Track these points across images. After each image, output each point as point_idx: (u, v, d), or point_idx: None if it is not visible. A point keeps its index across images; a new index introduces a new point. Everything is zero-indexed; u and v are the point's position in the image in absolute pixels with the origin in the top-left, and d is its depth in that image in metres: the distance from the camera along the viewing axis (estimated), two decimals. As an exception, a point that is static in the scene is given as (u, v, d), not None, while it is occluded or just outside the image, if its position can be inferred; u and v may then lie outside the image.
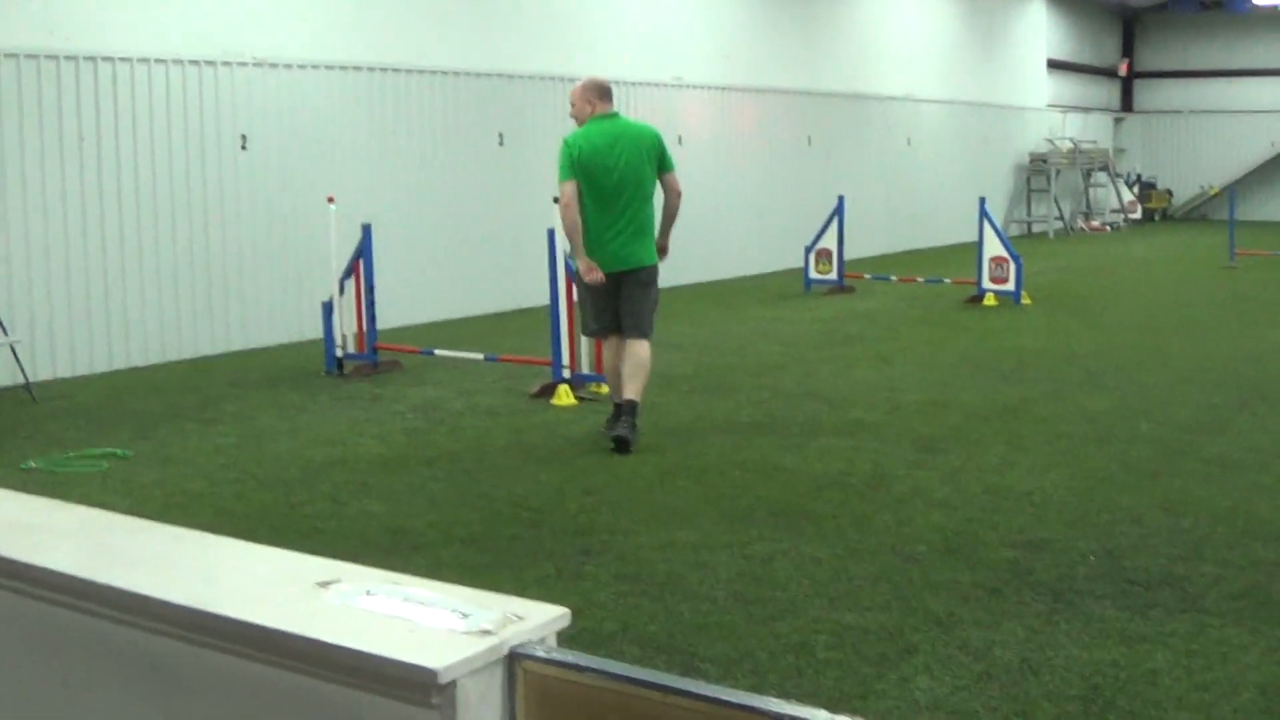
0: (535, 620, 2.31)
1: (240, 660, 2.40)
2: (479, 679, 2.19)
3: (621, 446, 9.75)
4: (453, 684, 2.15)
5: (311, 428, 10.84)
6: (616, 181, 9.90)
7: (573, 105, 10.28)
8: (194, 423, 11.09)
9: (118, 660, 2.63)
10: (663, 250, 10.26)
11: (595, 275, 9.85)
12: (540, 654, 2.23)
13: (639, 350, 10.02)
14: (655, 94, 21.06)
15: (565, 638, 2.38)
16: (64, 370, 13.37)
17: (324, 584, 2.50)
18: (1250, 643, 5.95)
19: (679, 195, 10.17)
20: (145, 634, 2.55)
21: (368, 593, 2.45)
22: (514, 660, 2.23)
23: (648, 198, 10.03)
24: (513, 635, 2.25)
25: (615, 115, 10.27)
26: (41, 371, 13.01)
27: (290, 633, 2.31)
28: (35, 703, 2.83)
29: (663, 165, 10.08)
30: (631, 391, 9.97)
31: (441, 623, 2.29)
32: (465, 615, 2.31)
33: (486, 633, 2.24)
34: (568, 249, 10.49)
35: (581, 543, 7.58)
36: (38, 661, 2.79)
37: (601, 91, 10.27)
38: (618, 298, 10.05)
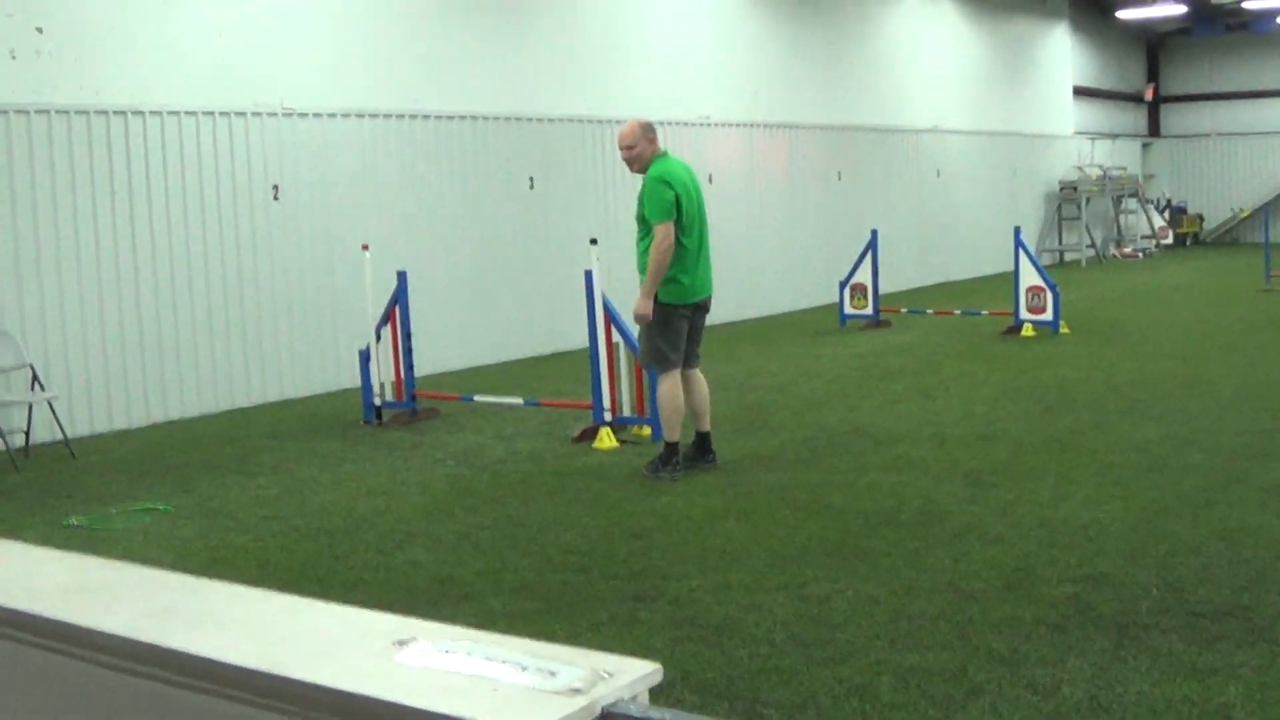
0: (627, 677, 2.19)
1: (315, 726, 2.29)
2: (571, 741, 2.08)
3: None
4: (544, 747, 2.04)
5: (353, 478, 10.76)
6: (699, 215, 10.34)
7: (632, 146, 10.39)
8: (234, 475, 11.02)
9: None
10: None
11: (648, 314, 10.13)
12: (634, 713, 2.12)
13: (703, 379, 10.64)
14: (684, 133, 21.00)
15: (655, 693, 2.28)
16: (101, 425, 13.32)
17: (401, 643, 2.39)
18: (1324, 673, 5.81)
19: None
20: (211, 699, 2.44)
21: (446, 651, 2.34)
22: (606, 720, 2.12)
23: (706, 230, 10.50)
24: (604, 694, 2.13)
25: (667, 153, 10.57)
26: (80, 427, 12.96)
27: (367, 695, 2.20)
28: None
29: None
30: (708, 421, 10.62)
31: (528, 682, 2.18)
32: (552, 673, 2.19)
33: (576, 691, 2.13)
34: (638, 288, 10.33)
35: (633, 588, 7.47)
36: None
37: (653, 131, 10.59)
38: (691, 328, 10.44)
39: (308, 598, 2.88)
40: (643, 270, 10.17)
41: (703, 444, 10.59)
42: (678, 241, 10.09)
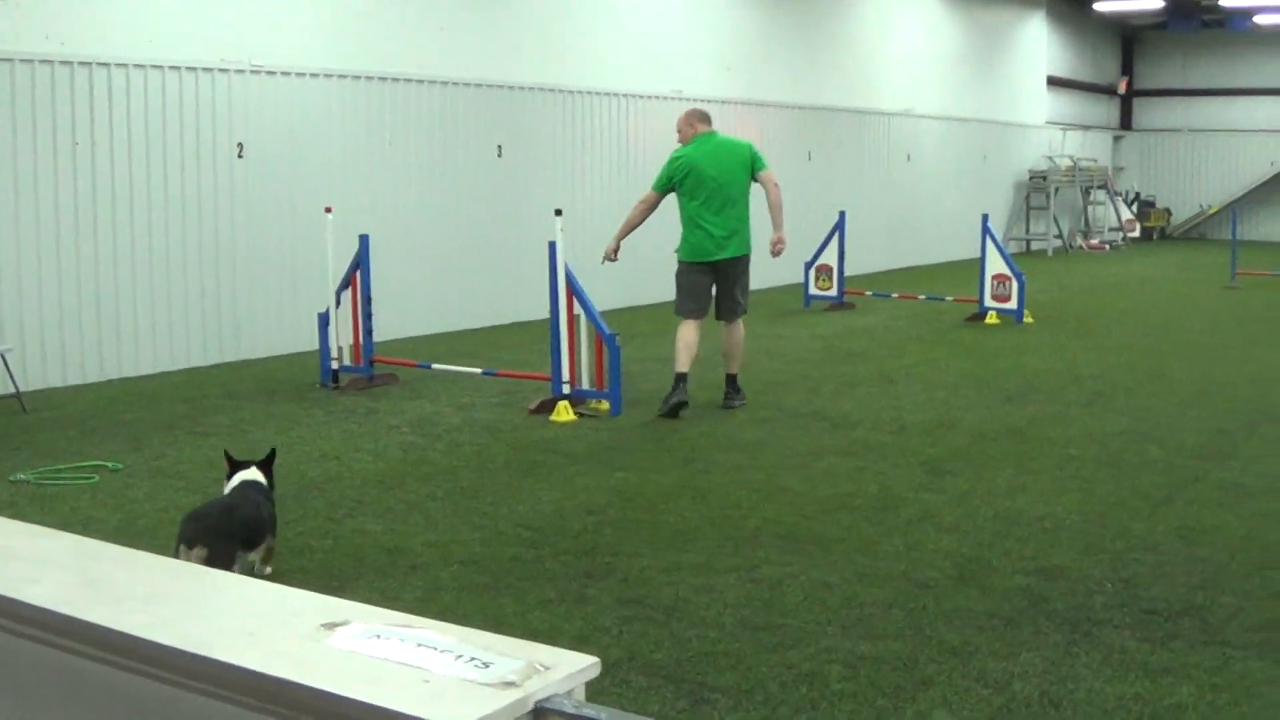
0: (562, 671, 2.11)
1: (235, 709, 2.20)
2: (501, 737, 1.99)
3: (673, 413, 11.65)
4: (472, 743, 1.96)
5: (305, 442, 10.65)
6: (709, 186, 11.84)
7: (679, 131, 12.11)
8: (187, 434, 10.90)
9: (96, 704, 2.43)
10: (781, 240, 12.24)
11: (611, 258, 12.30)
12: (568, 709, 2.04)
13: (738, 330, 12.25)
14: (656, 106, 20.89)
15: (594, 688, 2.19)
16: (55, 380, 13.16)
17: (330, 626, 2.30)
18: (1275, 676, 5.78)
19: (776, 187, 12.11)
20: (129, 676, 2.35)
21: (378, 636, 2.25)
22: (539, 716, 2.03)
23: (736, 200, 11.95)
24: (538, 688, 2.05)
25: (714, 133, 12.10)
26: (33, 381, 12.79)
27: (292, 681, 2.11)
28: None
29: (755, 167, 12.00)
30: (735, 366, 12.30)
31: (459, 672, 2.09)
32: (486, 665, 2.11)
33: (510, 684, 2.04)
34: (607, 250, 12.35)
35: (584, 564, 7.39)
36: (8, 702, 2.59)
37: (702, 116, 12.15)
38: (716, 285, 12.06)
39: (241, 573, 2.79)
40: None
41: (729, 385, 12.27)
42: (681, 206, 11.96)
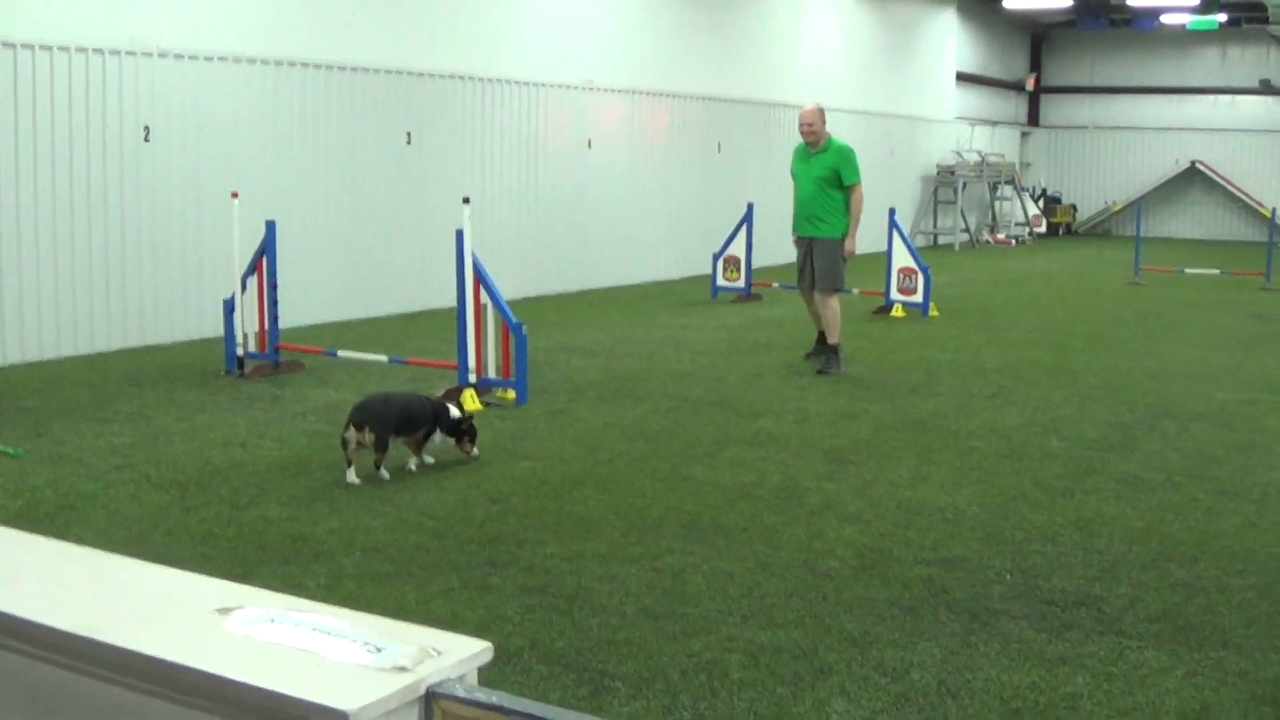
0: (455, 656, 2.12)
1: (129, 693, 2.20)
2: (392, 721, 2.01)
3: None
4: (364, 727, 1.96)
5: (210, 428, 10.59)
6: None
7: (812, 125, 13.86)
8: (89, 421, 10.80)
9: (-6, 689, 2.42)
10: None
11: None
12: (460, 693, 2.05)
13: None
14: (565, 95, 20.90)
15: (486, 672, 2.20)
16: (-46, 364, 13.03)
17: (224, 610, 2.31)
18: (1170, 666, 5.86)
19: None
20: (24, 660, 2.34)
21: (271, 621, 2.26)
22: (431, 700, 2.05)
23: None
24: (430, 673, 2.06)
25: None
26: (-69, 364, 12.66)
27: (185, 665, 2.11)
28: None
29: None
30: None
31: (352, 657, 2.10)
32: (378, 649, 2.12)
33: (402, 669, 2.06)
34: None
35: (487, 553, 7.39)
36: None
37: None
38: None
39: (142, 556, 2.79)
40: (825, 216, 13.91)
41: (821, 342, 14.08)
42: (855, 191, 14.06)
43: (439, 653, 2.12)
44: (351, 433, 8.85)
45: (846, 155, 13.85)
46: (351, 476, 8.87)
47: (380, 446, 8.95)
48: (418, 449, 9.30)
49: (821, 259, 13.84)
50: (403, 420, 9.14)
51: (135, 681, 2.19)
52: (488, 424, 10.78)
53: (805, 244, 14.07)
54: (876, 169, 30.66)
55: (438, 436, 9.34)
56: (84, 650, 2.24)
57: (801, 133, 13.97)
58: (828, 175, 13.75)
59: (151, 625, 2.30)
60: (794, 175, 14.23)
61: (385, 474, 8.97)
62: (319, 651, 2.12)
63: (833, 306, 13.77)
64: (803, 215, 14.04)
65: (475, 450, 9.50)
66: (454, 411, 9.57)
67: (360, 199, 17.52)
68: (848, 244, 13.92)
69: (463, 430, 9.49)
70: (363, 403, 9.26)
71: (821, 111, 13.96)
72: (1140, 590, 6.92)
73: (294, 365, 13.10)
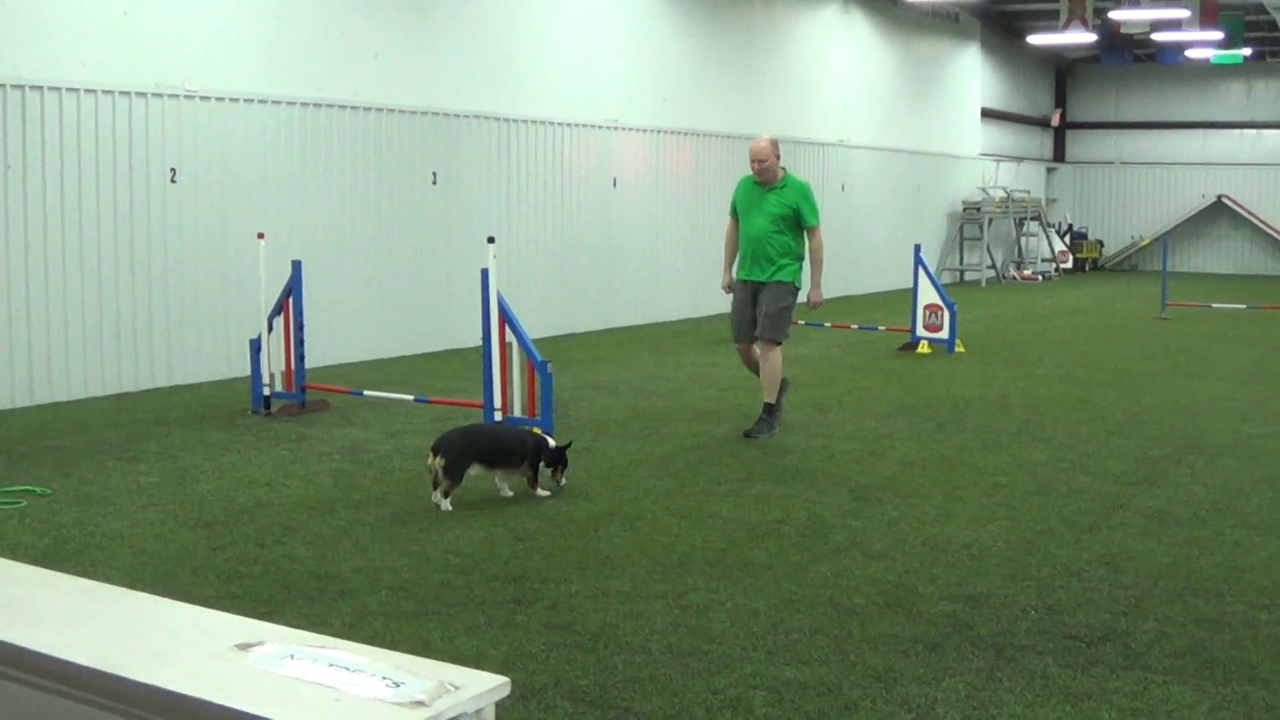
0: (472, 690, 2.13)
1: (150, 728, 2.21)
2: (411, 755, 2.02)
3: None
4: (383, 761, 1.98)
5: (236, 468, 10.62)
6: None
7: (766, 160, 12.41)
8: (116, 460, 10.84)
9: (18, 725, 2.44)
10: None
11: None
12: (477, 728, 2.06)
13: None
14: (590, 135, 20.97)
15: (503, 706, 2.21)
16: (-17, 405, 13.10)
17: (244, 646, 2.32)
18: (1195, 701, 5.84)
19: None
20: (44, 695, 2.36)
21: (291, 657, 2.27)
22: (449, 734, 2.06)
23: None
24: (448, 707, 2.07)
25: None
26: (-40, 406, 12.73)
27: (205, 700, 2.13)
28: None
29: None
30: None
31: (371, 692, 2.11)
32: (397, 684, 2.13)
33: (419, 704, 2.07)
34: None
35: (512, 591, 7.40)
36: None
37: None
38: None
39: (167, 595, 2.80)
40: (776, 258, 12.42)
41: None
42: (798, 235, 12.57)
43: (456, 687, 2.13)
44: (430, 459, 9.31)
45: (807, 194, 12.52)
46: (437, 498, 9.25)
47: (449, 474, 9.23)
48: (532, 482, 9.68)
49: (771, 304, 12.35)
50: (487, 451, 9.51)
51: (154, 716, 2.20)
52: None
53: (749, 289, 12.52)
54: (902, 206, 30.84)
55: (542, 466, 9.72)
56: (104, 685, 2.25)
57: (753, 169, 12.51)
58: (786, 214, 12.36)
59: (171, 661, 2.31)
60: (738, 211, 12.73)
61: (446, 505, 9.20)
62: (338, 686, 2.14)
63: (774, 360, 12.44)
64: (751, 256, 12.46)
65: (564, 480, 9.84)
66: (552, 442, 9.89)
67: (386, 239, 17.58)
68: (813, 294, 13.07)
69: (560, 460, 9.82)
70: (447, 431, 9.76)
71: (775, 144, 12.53)
72: (1166, 625, 6.89)
73: (320, 405, 13.14)
